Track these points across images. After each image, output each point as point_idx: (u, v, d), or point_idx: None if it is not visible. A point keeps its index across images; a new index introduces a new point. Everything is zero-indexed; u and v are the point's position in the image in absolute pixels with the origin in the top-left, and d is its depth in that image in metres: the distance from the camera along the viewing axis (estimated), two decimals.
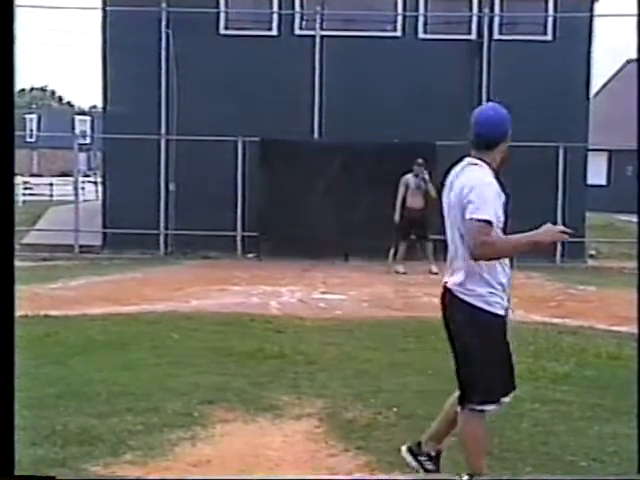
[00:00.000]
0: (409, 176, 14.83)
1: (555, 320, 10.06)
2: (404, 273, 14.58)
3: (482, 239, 3.92)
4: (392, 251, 14.90)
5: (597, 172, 27.28)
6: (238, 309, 10.38)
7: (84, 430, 5.24)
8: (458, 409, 4.26)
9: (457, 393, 4.27)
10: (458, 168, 4.20)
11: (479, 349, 4.10)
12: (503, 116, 4.18)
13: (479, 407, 4.17)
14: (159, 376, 6.78)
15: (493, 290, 4.08)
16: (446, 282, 4.20)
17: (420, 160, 14.81)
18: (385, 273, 14.57)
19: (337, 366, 7.27)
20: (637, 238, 13.26)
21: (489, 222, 3.94)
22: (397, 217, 14.71)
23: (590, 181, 19.02)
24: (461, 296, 4.10)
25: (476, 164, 4.12)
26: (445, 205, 4.20)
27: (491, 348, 4.12)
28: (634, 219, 18.11)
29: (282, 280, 13.38)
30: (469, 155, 4.19)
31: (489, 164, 4.14)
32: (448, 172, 4.28)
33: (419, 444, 4.55)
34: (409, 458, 4.56)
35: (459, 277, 4.11)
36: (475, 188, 3.99)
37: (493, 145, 4.14)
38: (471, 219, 3.95)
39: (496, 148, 4.15)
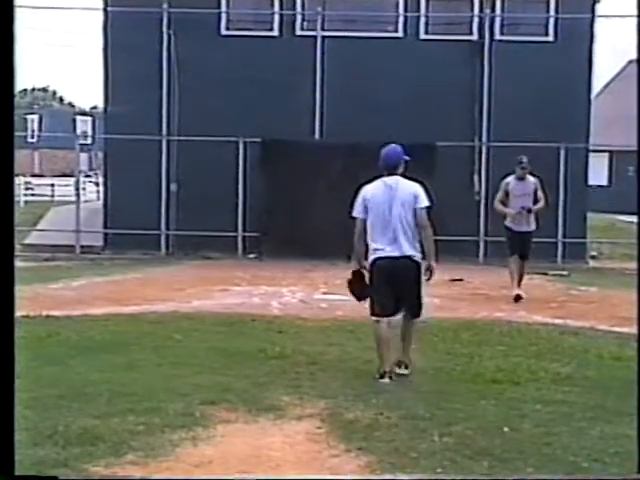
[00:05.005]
0: (511, 179, 11.66)
1: (557, 321, 10.05)
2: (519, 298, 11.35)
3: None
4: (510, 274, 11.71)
5: (598, 173, 27.25)
6: (239, 309, 10.39)
7: (86, 430, 5.23)
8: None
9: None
10: (392, 180, 6.82)
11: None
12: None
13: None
14: (160, 376, 6.78)
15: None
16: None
17: (524, 159, 11.56)
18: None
19: (338, 366, 7.27)
20: (637, 239, 13.26)
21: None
22: (509, 218, 11.66)
23: (591, 182, 19.01)
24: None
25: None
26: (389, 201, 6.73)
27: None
28: (635, 220, 18.09)
29: (283, 280, 13.38)
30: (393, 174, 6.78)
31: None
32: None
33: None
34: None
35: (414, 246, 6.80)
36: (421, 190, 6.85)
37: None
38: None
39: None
